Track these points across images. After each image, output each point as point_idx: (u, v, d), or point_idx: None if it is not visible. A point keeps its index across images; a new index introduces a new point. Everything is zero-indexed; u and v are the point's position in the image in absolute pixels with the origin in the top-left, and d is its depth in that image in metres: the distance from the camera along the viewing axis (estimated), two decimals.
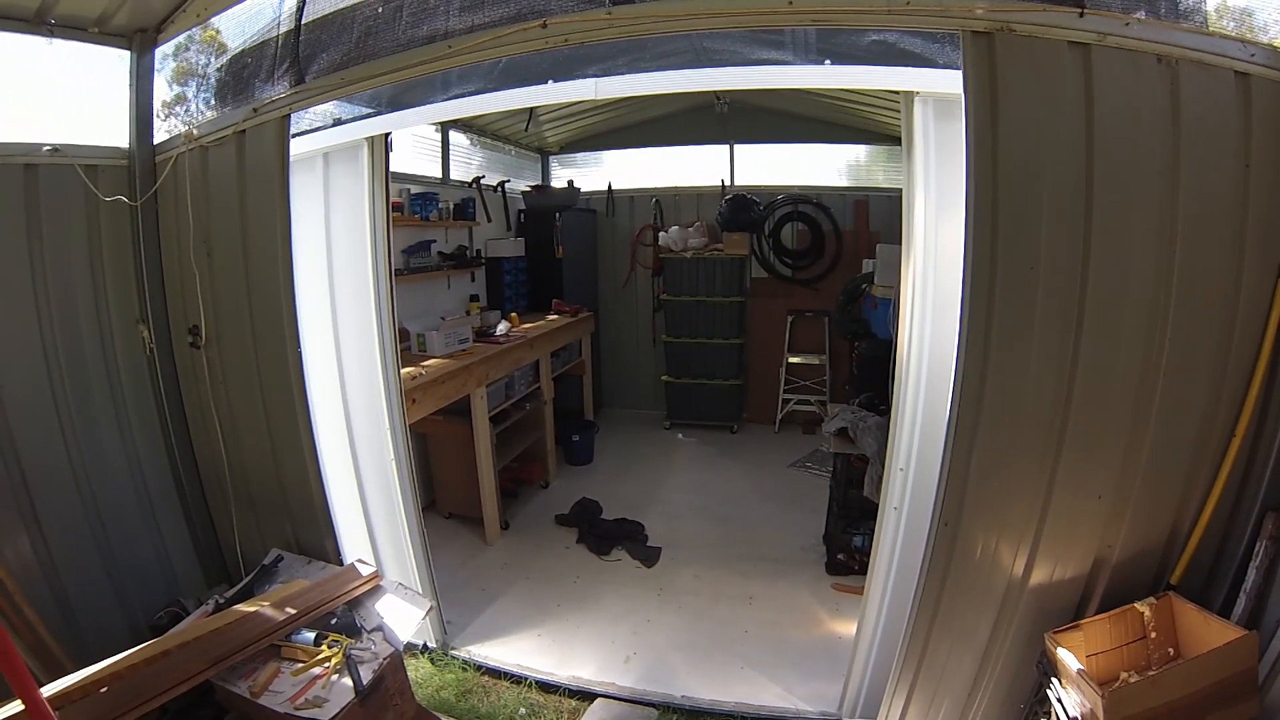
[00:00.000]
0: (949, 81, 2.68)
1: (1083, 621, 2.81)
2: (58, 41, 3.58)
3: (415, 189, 6.36)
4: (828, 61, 3.06)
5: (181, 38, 3.98)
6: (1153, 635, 2.80)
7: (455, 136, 7.37)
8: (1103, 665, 2.77)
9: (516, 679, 3.93)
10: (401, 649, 3.22)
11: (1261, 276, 2.64)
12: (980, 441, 2.78)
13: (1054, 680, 2.73)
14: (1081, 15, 2.48)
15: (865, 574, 3.52)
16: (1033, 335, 2.68)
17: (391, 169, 3.87)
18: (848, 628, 4.01)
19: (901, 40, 2.83)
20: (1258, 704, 2.56)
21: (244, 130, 3.64)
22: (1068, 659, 2.62)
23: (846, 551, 4.98)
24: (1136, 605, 2.80)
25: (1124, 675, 2.75)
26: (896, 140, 3.18)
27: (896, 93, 3.16)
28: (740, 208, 7.89)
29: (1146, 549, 2.88)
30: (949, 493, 2.84)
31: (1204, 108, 2.54)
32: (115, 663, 2.84)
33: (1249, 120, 2.56)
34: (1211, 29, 2.65)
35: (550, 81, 3.42)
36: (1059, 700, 2.67)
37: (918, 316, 3.15)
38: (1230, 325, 2.68)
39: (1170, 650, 2.80)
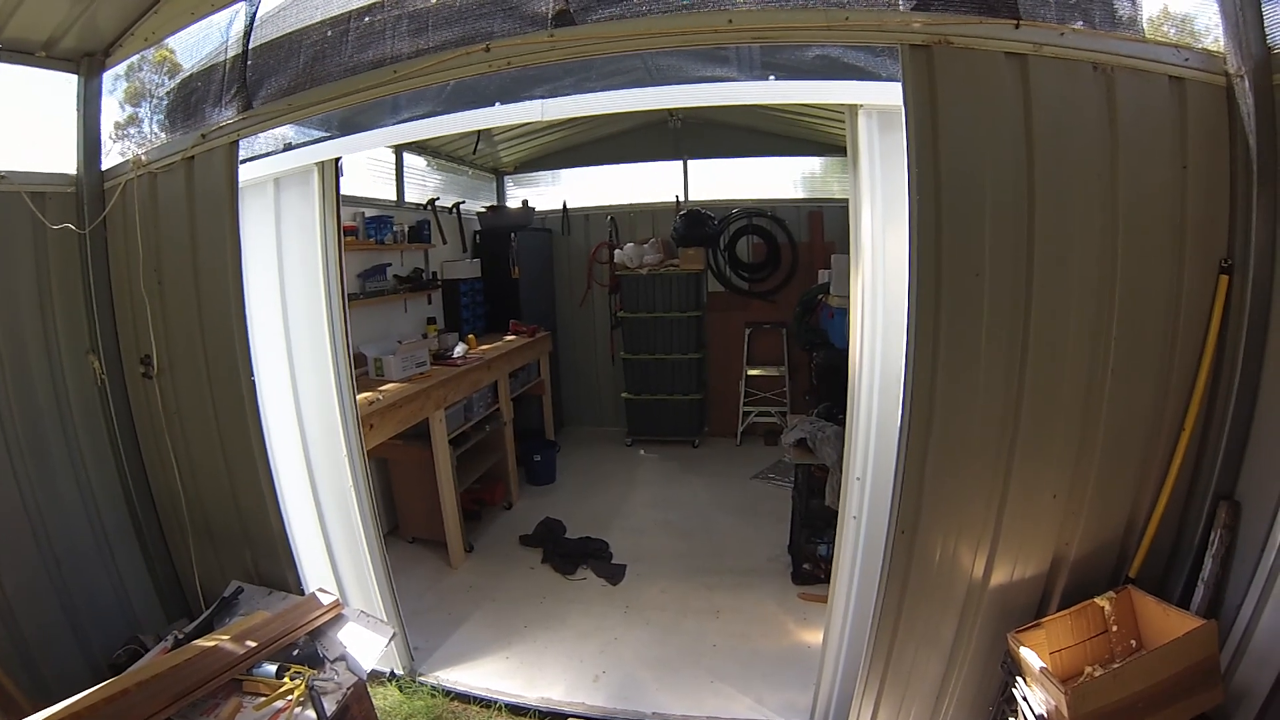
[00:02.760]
0: (892, 94, 2.72)
1: (1044, 619, 2.85)
2: (3, 65, 3.51)
3: (370, 212, 6.33)
4: (773, 77, 3.10)
5: (134, 58, 3.93)
6: (1114, 629, 2.85)
7: (410, 159, 7.36)
8: (1066, 661, 2.82)
9: (486, 703, 3.89)
10: (365, 677, 3.18)
11: (1202, 273, 2.72)
12: (933, 448, 2.82)
13: (1019, 679, 2.76)
14: (1018, 27, 2.55)
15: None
16: (980, 341, 2.73)
17: (346, 192, 3.86)
18: (816, 636, 4.02)
19: (845, 54, 2.88)
20: (1221, 691, 2.60)
21: (192, 156, 3.60)
22: (1030, 657, 2.66)
23: (812, 561, 5.01)
24: (1097, 600, 2.85)
25: (1088, 670, 2.80)
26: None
27: (843, 106, 3.21)
28: (695, 223, 7.95)
29: (1104, 544, 2.95)
30: (904, 500, 2.88)
31: (1140, 112, 2.63)
32: (74, 703, 2.76)
33: (1184, 122, 2.65)
34: (1147, 36, 2.74)
35: (498, 104, 3.43)
36: (1025, 699, 2.70)
37: (868, 326, 3.18)
38: (1174, 322, 2.76)
39: (1132, 642, 2.85)
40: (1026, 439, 2.79)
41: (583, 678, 4.10)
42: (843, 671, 3.50)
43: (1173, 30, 3.00)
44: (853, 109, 3.10)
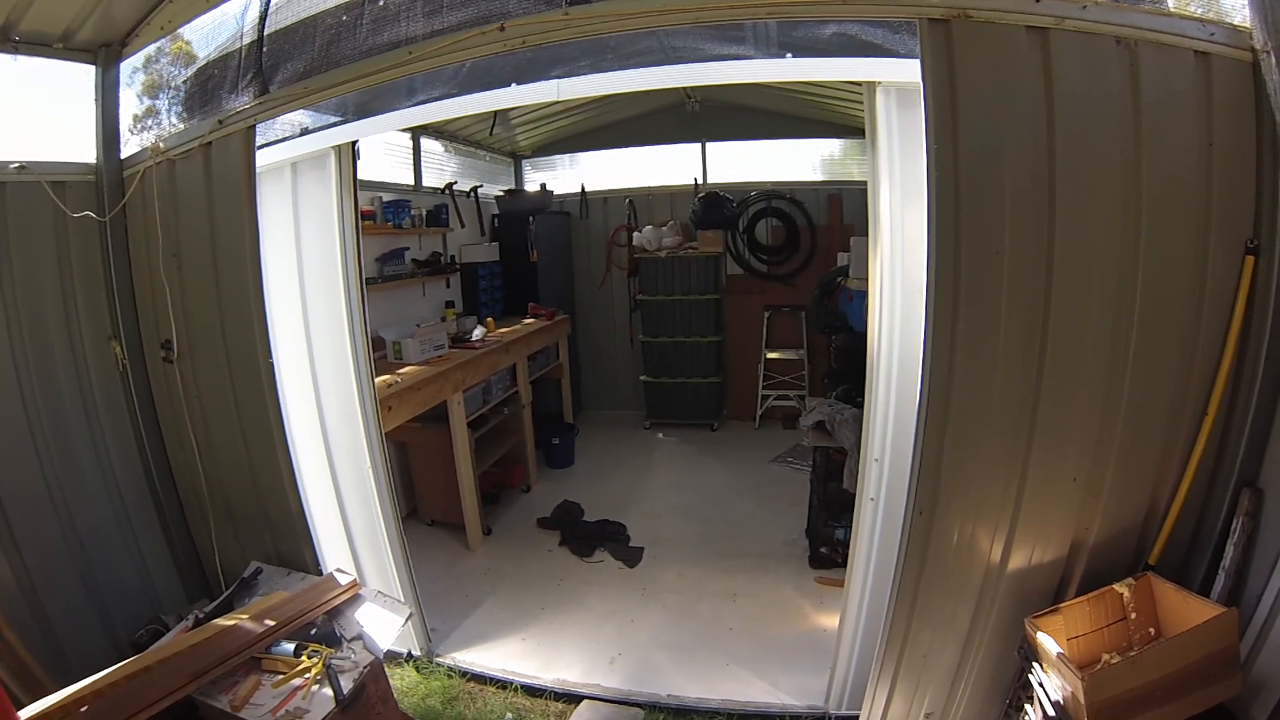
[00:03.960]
0: (910, 71, 2.68)
1: (1062, 605, 2.82)
2: (22, 58, 3.54)
3: (387, 196, 6.34)
4: (790, 55, 3.07)
5: (151, 49, 3.95)
6: (1133, 616, 2.82)
7: (427, 143, 7.36)
8: (1084, 648, 2.79)
9: (502, 684, 3.92)
10: (382, 656, 3.20)
11: (1228, 254, 2.67)
12: (951, 429, 2.78)
13: (1035, 665, 2.74)
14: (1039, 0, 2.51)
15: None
16: (999, 321, 2.69)
17: (363, 177, 3.86)
18: (832, 620, 4.00)
19: (862, 31, 2.84)
20: (1240, 680, 2.57)
21: (210, 142, 3.62)
22: (1047, 643, 2.64)
23: (829, 545, 4.99)
24: (1115, 586, 2.82)
25: (1105, 657, 2.76)
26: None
27: (861, 84, 3.17)
28: (714, 205, 7.90)
29: (1124, 530, 2.91)
30: (922, 482, 2.85)
31: (1164, 88, 2.56)
32: (96, 681, 2.81)
33: (1210, 99, 2.59)
34: (1172, 10, 2.68)
35: (514, 84, 3.42)
36: (1041, 684, 2.69)
37: (887, 307, 3.16)
38: (1198, 304, 2.70)
39: (1151, 630, 2.82)
40: (1046, 421, 2.76)
41: (599, 660, 4.12)
42: (858, 655, 3.50)
43: (1199, 9, 2.94)
44: (870, 86, 3.06)
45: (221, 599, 3.63)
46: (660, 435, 8.36)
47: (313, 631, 3.21)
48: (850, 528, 3.52)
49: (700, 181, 8.68)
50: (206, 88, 3.77)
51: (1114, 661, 2.67)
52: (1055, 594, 2.97)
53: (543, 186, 8.55)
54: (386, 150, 6.71)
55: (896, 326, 3.16)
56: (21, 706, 2.65)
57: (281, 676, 2.96)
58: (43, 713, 2.63)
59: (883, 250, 3.12)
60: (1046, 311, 2.68)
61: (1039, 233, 2.63)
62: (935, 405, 2.78)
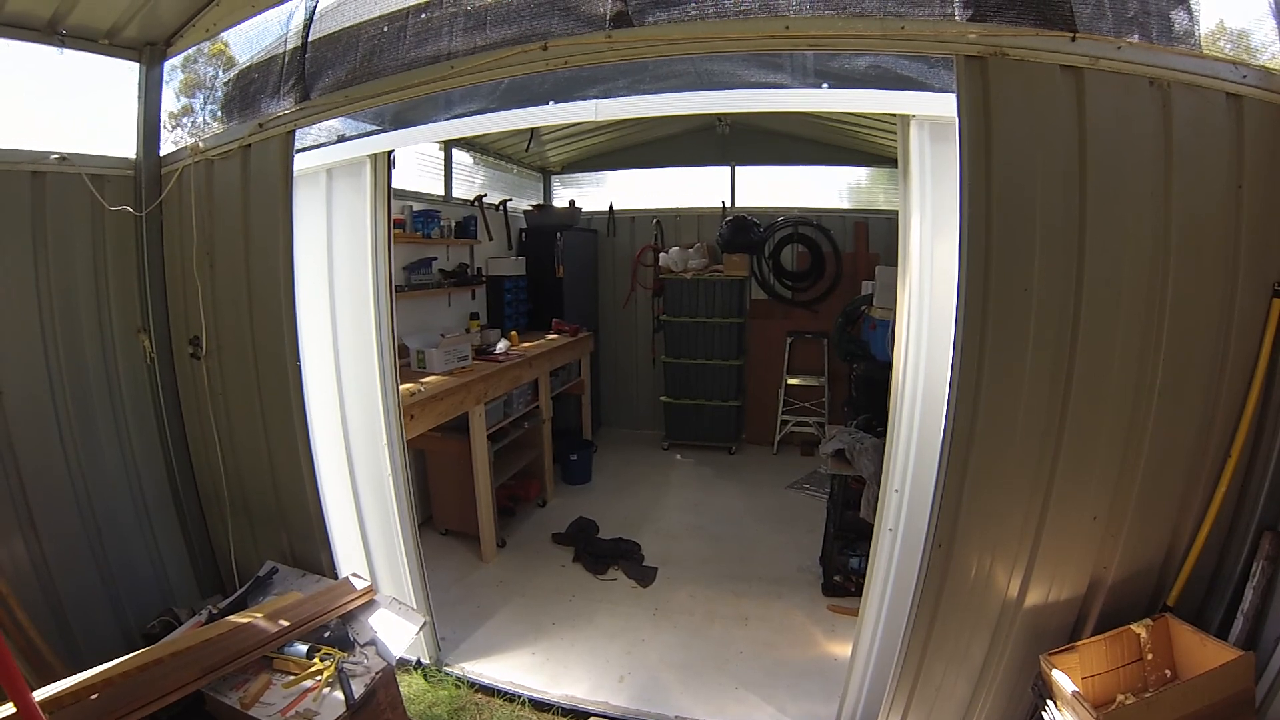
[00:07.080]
0: (944, 105, 2.70)
1: (1078, 643, 2.80)
2: (69, 52, 3.62)
3: (418, 206, 6.40)
4: (825, 85, 3.09)
5: (191, 50, 4.02)
6: (1149, 657, 2.80)
7: (458, 155, 7.43)
8: (1099, 687, 2.77)
9: (510, 697, 3.91)
10: (394, 663, 3.22)
11: (1255, 296, 2.67)
12: (973, 464, 2.78)
13: (1049, 702, 2.72)
14: (1074, 39, 2.51)
15: (861, 596, 3.51)
16: (1026, 357, 2.68)
17: (394, 186, 3.89)
18: (843, 649, 4.00)
19: (898, 64, 2.86)
20: None
21: (249, 145, 3.68)
22: (1063, 681, 2.62)
23: (843, 573, 4.96)
24: (1133, 626, 2.80)
25: (1120, 697, 2.74)
26: (896, 163, 3.19)
27: (894, 116, 3.18)
28: (740, 229, 7.91)
29: (1143, 570, 2.89)
30: (943, 515, 2.84)
31: (1196, 129, 2.57)
32: (107, 669, 2.84)
33: (1241, 141, 2.59)
34: (1205, 52, 2.68)
35: (551, 102, 3.46)
36: None
37: (913, 338, 3.15)
38: (1225, 345, 2.70)
39: (1167, 672, 2.80)
40: (1068, 458, 2.74)
41: (607, 677, 4.11)
42: (869, 686, 3.47)
43: (1228, 46, 2.93)
44: (904, 119, 3.08)
45: (236, 596, 3.65)
46: (678, 456, 8.33)
47: (326, 634, 3.23)
48: (865, 556, 3.50)
49: (728, 204, 8.70)
50: (248, 91, 3.83)
51: (1129, 702, 2.66)
52: (1072, 632, 2.95)
53: (571, 203, 8.61)
54: (418, 160, 6.79)
55: (922, 358, 3.16)
56: (32, 690, 2.67)
57: (293, 677, 2.99)
58: (55, 696, 2.67)
59: (911, 282, 3.12)
60: (1072, 348, 2.68)
61: (1067, 270, 2.63)
62: (959, 438, 2.77)
